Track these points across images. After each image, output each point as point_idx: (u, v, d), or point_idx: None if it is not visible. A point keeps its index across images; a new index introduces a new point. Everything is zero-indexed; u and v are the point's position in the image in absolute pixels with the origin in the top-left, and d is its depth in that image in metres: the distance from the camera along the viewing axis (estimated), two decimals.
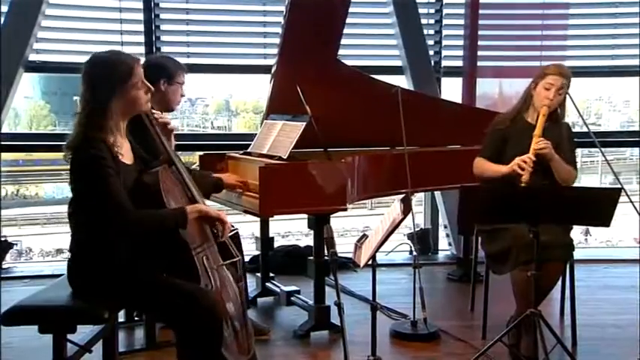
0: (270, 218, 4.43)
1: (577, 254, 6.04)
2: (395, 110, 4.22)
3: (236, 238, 3.84)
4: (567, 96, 3.81)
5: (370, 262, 3.19)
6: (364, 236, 3.24)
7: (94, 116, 2.72)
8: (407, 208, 2.88)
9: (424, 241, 6.07)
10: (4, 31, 5.46)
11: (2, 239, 5.52)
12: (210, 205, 4.78)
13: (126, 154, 2.85)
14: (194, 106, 11.90)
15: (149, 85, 2.86)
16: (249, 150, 4.40)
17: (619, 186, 3.39)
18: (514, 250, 3.54)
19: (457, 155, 4.45)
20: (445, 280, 5.43)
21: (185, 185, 3.02)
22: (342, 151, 4.42)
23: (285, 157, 3.98)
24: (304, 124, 4.02)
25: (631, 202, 3.54)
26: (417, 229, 6.07)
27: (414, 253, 4.22)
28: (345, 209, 3.96)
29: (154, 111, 3.03)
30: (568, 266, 3.93)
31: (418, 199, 6.49)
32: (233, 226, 3.72)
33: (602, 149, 4.05)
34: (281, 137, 4.14)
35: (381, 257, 5.65)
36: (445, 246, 6.18)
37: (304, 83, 4.21)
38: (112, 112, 2.75)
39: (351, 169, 4.04)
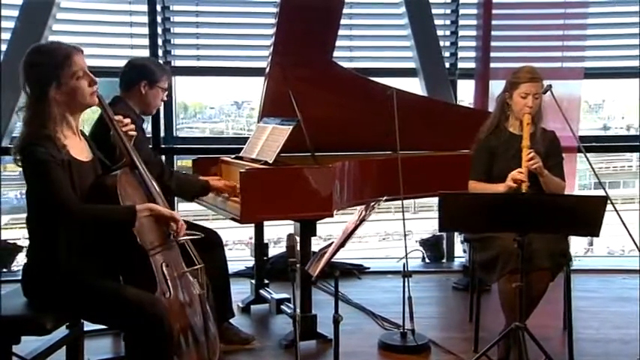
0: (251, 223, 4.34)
1: (595, 264, 5.92)
2: (392, 112, 4.09)
3: (216, 241, 3.79)
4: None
5: (337, 274, 3.00)
6: (331, 244, 3.10)
7: (35, 110, 2.66)
8: (361, 217, 2.75)
9: (437, 248, 5.89)
10: (16, 35, 5.50)
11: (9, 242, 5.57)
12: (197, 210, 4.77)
13: (79, 151, 2.79)
14: (240, 109, 11.90)
15: (93, 76, 2.77)
16: (240, 154, 4.32)
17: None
18: (501, 259, 3.44)
19: (457, 159, 4.28)
20: (451, 288, 5.26)
21: (147, 190, 2.94)
22: (334, 155, 4.31)
23: (271, 162, 3.90)
24: (291, 127, 3.92)
25: (616, 210, 3.33)
26: (429, 236, 5.96)
27: (404, 261, 4.04)
28: (331, 215, 3.85)
29: (117, 117, 2.95)
30: (565, 277, 3.71)
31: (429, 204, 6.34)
32: (213, 231, 3.67)
33: None
34: (270, 141, 4.06)
35: (392, 264, 5.59)
36: (461, 253, 5.99)
37: (298, 84, 4.16)
38: (51, 103, 2.67)
39: (338, 174, 3.91)
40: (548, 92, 3.66)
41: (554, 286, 3.59)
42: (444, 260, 5.96)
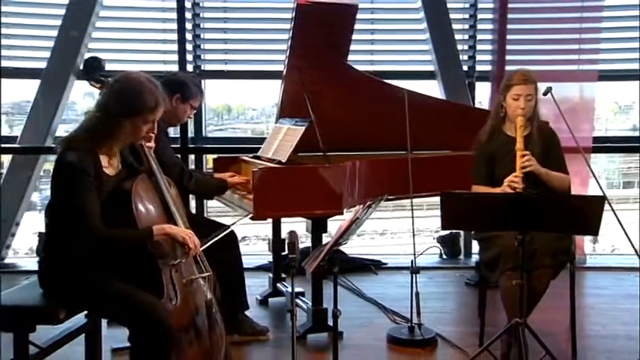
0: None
1: (607, 261, 5.94)
2: (404, 114, 4.23)
3: (230, 237, 3.97)
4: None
5: (335, 270, 3.07)
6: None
7: (101, 124, 2.82)
8: (356, 215, 2.89)
9: (454, 244, 6.03)
10: (59, 41, 5.81)
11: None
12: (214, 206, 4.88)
13: (112, 166, 2.93)
14: None
15: (155, 130, 2.97)
16: (258, 154, 4.52)
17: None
18: (502, 257, 3.49)
19: (468, 159, 4.38)
20: (464, 284, 5.39)
21: (163, 198, 3.05)
22: (346, 155, 4.47)
23: (284, 161, 4.09)
24: (303, 128, 4.11)
25: (613, 211, 3.40)
26: (447, 233, 6.07)
27: (413, 257, 4.17)
28: (341, 213, 4.00)
29: None
30: (570, 274, 3.76)
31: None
32: (227, 226, 3.84)
33: None
34: (284, 141, 4.26)
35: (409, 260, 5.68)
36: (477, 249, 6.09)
37: (314, 87, 4.33)
38: (119, 127, 2.84)
39: (349, 173, 4.06)
40: (549, 95, 3.70)
41: (564, 282, 3.67)
42: (461, 257, 6.09)
